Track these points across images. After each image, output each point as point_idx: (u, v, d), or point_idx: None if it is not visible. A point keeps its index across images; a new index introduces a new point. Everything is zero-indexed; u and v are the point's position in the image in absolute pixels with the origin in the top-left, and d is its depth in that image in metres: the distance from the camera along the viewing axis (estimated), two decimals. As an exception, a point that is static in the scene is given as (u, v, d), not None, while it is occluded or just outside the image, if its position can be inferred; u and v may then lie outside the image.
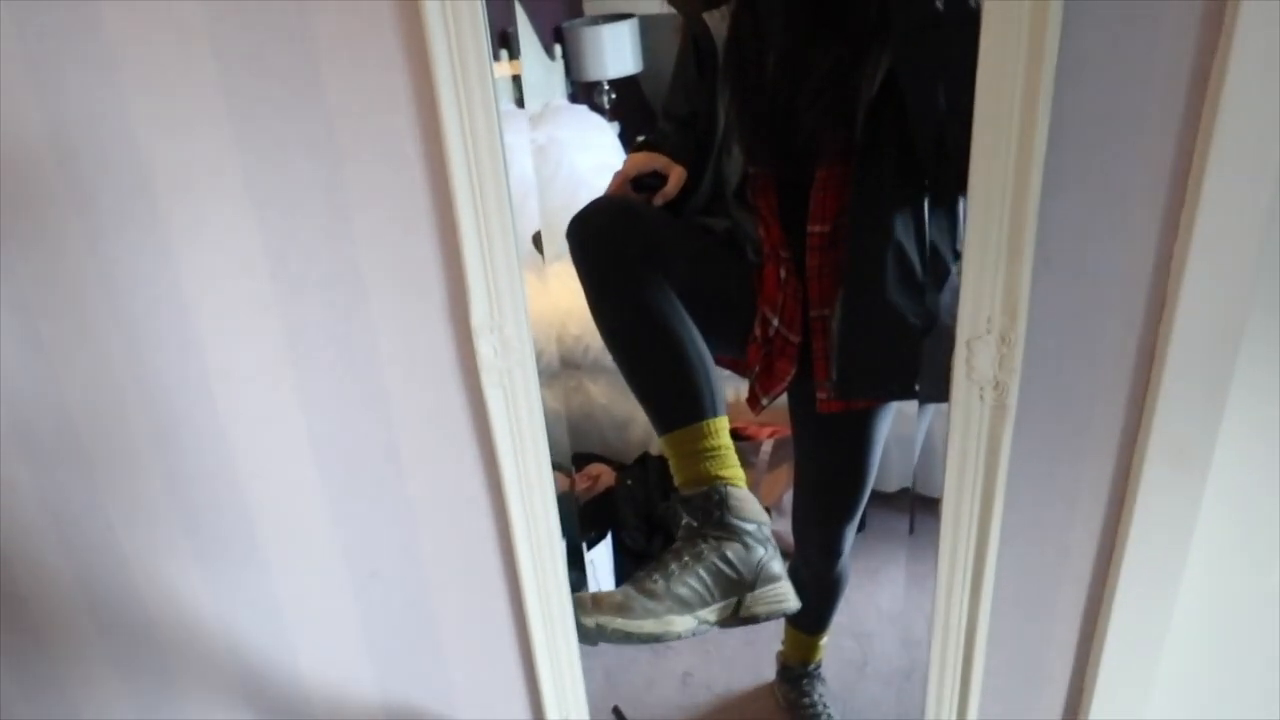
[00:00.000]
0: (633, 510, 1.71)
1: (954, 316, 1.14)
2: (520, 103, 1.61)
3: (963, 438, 0.94)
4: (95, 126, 0.99)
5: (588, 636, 1.16)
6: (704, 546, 1.14)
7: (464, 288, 0.96)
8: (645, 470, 1.72)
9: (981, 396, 0.91)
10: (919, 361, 1.16)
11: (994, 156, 0.81)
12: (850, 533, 1.45)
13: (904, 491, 1.58)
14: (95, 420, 1.19)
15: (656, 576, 1.13)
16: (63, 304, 1.11)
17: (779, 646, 1.66)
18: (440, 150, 0.90)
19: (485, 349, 0.98)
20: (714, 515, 1.14)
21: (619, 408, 1.72)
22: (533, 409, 1.02)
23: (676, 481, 1.18)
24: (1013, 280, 0.86)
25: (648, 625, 1.12)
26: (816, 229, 1.18)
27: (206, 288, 1.06)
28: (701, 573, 1.13)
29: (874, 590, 1.70)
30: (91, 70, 0.96)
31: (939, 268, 1.15)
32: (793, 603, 1.16)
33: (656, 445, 1.42)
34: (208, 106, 0.95)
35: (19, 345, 1.15)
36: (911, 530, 1.51)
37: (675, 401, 1.18)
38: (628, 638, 1.12)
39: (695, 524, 1.15)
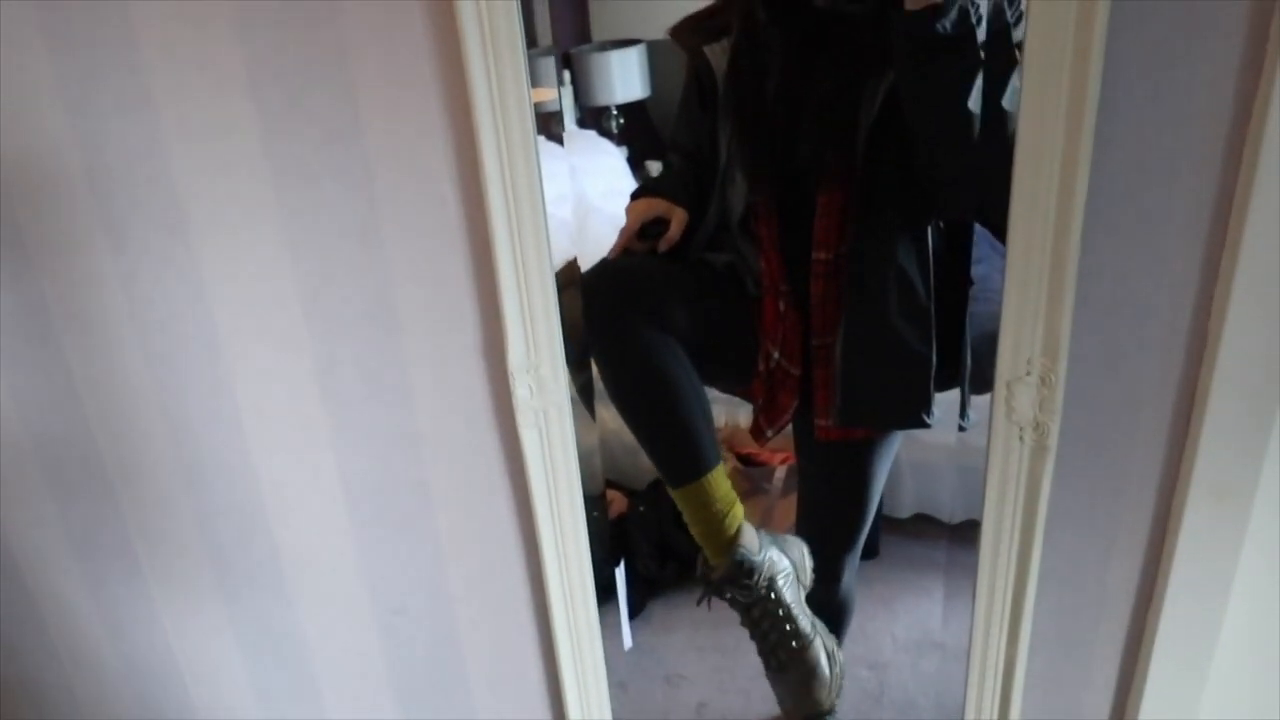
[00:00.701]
0: (645, 537, 1.69)
1: (970, 347, 1.14)
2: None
3: (1001, 478, 0.93)
4: (132, 166, 0.99)
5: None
6: (772, 600, 1.20)
7: (500, 327, 0.95)
8: (658, 496, 1.70)
9: (1021, 438, 0.91)
10: (924, 390, 1.16)
11: (1035, 198, 0.81)
12: (852, 560, 1.44)
13: (917, 517, 1.57)
14: (124, 455, 1.18)
15: (785, 674, 1.23)
16: (94, 339, 1.10)
17: (794, 677, 1.65)
18: (478, 190, 0.90)
19: (521, 390, 0.97)
20: (754, 575, 1.19)
21: (630, 435, 1.70)
22: (567, 447, 1.01)
23: (693, 531, 1.22)
24: (1054, 322, 0.85)
25: (827, 688, 1.25)
26: (820, 256, 1.17)
27: (239, 324, 1.06)
28: (793, 620, 1.21)
29: (889, 619, 1.68)
30: (129, 110, 0.96)
31: (946, 295, 1.15)
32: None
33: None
34: (244, 146, 0.95)
35: (50, 379, 1.14)
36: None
37: (684, 458, 1.21)
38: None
39: (743, 598, 1.21)
